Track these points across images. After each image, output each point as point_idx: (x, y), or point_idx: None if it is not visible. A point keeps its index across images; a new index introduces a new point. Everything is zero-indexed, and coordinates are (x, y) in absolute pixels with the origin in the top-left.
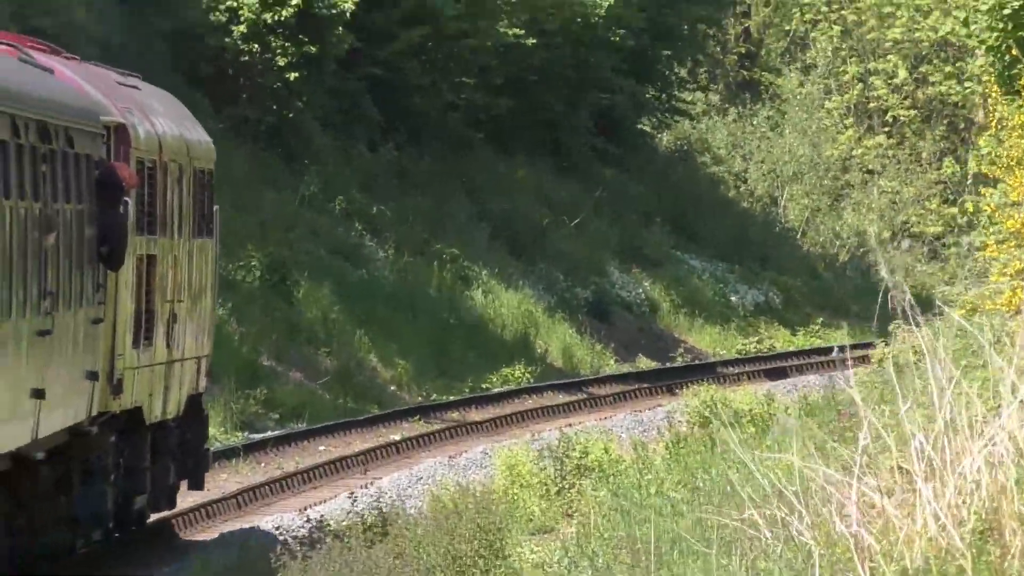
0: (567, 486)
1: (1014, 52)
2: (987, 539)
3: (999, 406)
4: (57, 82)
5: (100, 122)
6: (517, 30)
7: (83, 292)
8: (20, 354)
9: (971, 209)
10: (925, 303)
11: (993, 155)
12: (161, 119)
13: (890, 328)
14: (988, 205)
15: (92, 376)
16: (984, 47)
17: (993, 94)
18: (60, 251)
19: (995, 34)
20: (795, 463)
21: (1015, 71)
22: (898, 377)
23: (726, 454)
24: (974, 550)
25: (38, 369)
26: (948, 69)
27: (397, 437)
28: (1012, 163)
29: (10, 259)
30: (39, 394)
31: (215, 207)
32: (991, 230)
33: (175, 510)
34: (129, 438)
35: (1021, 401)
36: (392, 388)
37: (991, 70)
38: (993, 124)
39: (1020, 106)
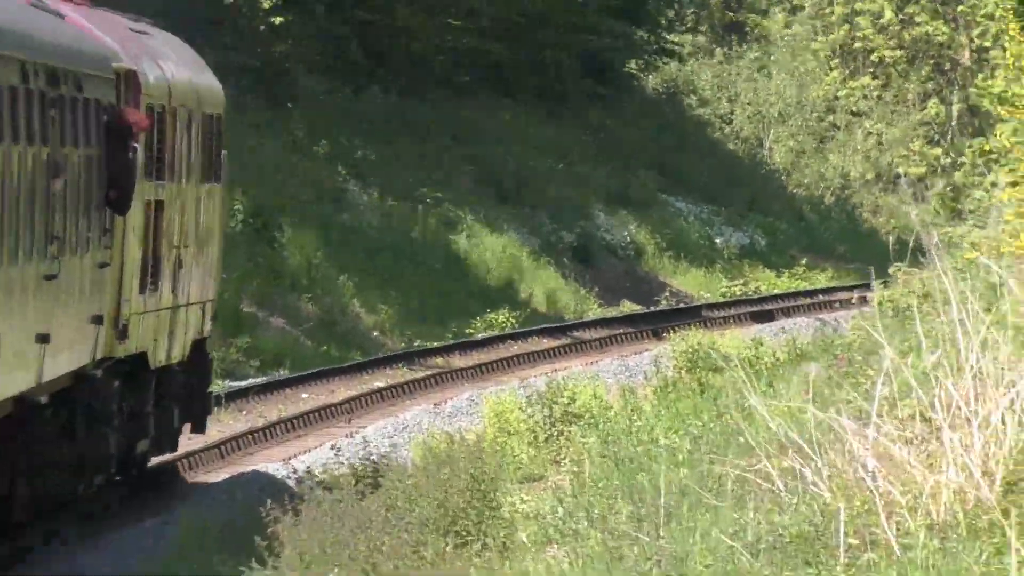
0: (555, 433)
1: None
2: (1015, 491)
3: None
4: (67, 27)
5: (111, 68)
6: None
7: (90, 237)
8: (26, 298)
9: (987, 148)
10: (910, 245)
11: (1011, 94)
12: (171, 64)
13: (890, 270)
14: (1007, 141)
15: (97, 320)
16: None
17: (1011, 32)
18: (68, 196)
19: None
20: (809, 410)
21: None
22: (902, 321)
23: (719, 399)
24: (1006, 504)
25: (44, 313)
26: (965, 9)
27: (381, 384)
28: None
29: (16, 204)
30: (44, 339)
31: (223, 152)
32: (1006, 169)
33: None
34: (133, 383)
35: None
36: (375, 334)
37: (1008, 5)
38: (1011, 62)
39: None
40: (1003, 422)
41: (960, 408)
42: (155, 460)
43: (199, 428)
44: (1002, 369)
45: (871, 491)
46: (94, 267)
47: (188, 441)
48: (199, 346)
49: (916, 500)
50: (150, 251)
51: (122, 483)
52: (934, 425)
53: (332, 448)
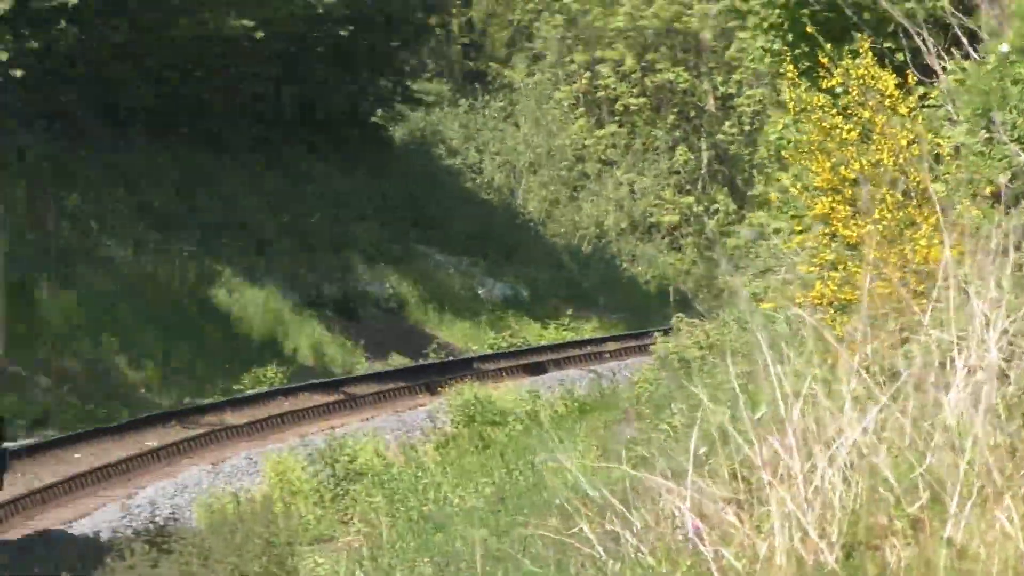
0: (341, 492)
1: (810, 29)
2: (853, 554)
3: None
4: None
5: None
6: (246, 21)
7: None
8: None
9: (774, 197)
10: (673, 293)
11: (788, 141)
12: None
13: (673, 321)
14: (794, 187)
15: None
16: (766, 24)
17: (790, 75)
18: None
19: (776, 11)
20: (624, 469)
21: (797, 51)
22: (688, 373)
23: (506, 455)
24: (849, 568)
25: None
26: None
27: (154, 443)
28: (813, 148)
29: None
30: None
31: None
32: (786, 216)
33: None
34: None
35: (855, 399)
36: (142, 391)
37: (784, 50)
38: (791, 107)
39: (808, 88)
40: (831, 481)
41: (788, 466)
42: None
43: None
44: (821, 424)
45: (703, 556)
46: None
47: None
48: None
49: (752, 566)
50: None
51: None
52: (754, 484)
53: (123, 509)
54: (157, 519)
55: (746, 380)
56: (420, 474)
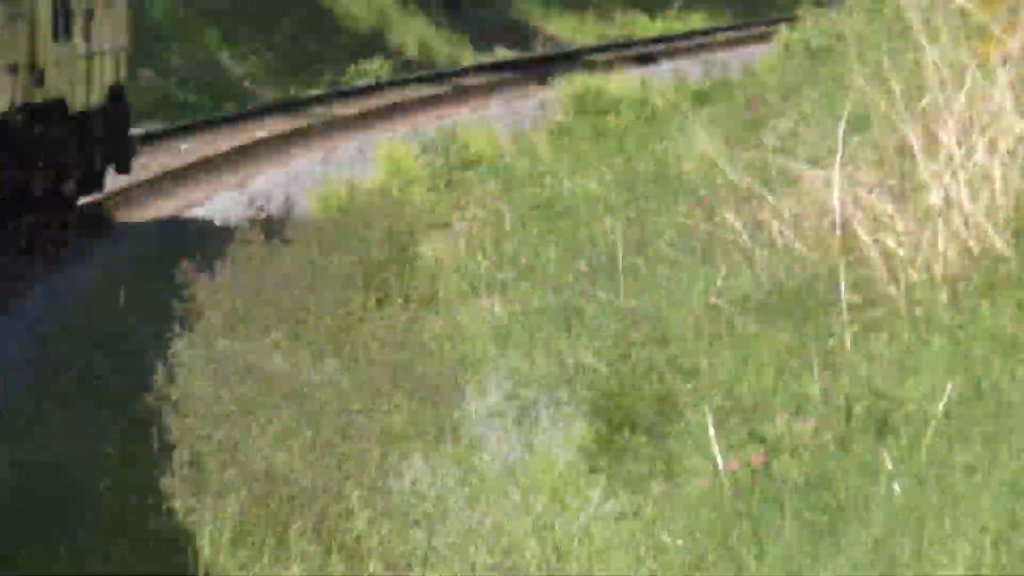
0: (453, 180)
1: None
2: (1021, 240)
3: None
4: None
5: None
6: None
7: None
8: None
9: None
10: None
11: None
12: None
13: (799, 11)
14: None
15: (12, 70)
16: None
17: None
18: None
19: None
20: (769, 156)
21: None
22: (815, 63)
23: (624, 143)
24: (1021, 254)
25: None
26: None
27: (264, 134)
28: None
29: None
30: None
31: None
32: None
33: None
34: (53, 127)
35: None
36: (247, 84)
37: None
38: None
39: None
40: (994, 167)
41: (949, 152)
42: (84, 200)
43: (123, 169)
44: (979, 112)
45: (854, 244)
46: (6, 17)
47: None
48: (117, 92)
49: (913, 252)
50: (59, 1)
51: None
52: (907, 172)
53: (236, 198)
54: (271, 209)
55: (875, 70)
56: (535, 162)
